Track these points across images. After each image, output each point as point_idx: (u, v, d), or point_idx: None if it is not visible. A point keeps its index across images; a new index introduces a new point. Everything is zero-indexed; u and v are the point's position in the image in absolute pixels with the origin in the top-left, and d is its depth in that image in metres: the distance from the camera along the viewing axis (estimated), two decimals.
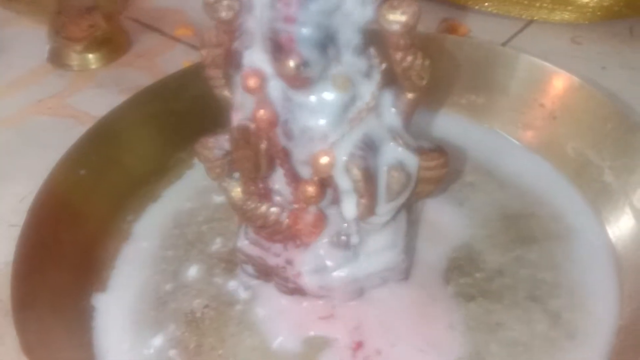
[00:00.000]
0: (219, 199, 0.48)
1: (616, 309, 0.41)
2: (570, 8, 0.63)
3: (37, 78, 0.62)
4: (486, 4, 0.64)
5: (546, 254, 0.44)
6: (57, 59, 0.62)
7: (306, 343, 0.41)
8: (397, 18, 0.35)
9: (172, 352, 0.41)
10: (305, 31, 0.34)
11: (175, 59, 0.61)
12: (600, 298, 0.42)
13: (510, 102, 0.52)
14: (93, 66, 0.62)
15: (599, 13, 0.62)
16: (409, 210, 0.43)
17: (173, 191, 0.50)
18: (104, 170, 0.47)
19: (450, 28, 0.63)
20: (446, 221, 0.46)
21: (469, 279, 0.43)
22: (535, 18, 0.64)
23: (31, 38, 0.64)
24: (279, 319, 0.42)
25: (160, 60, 0.62)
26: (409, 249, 0.43)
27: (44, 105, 0.59)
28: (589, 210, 0.47)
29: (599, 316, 0.41)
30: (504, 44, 0.61)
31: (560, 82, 0.50)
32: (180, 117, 0.50)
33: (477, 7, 0.65)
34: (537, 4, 0.63)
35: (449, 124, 0.52)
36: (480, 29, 0.63)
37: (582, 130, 0.48)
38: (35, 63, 0.63)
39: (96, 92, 0.60)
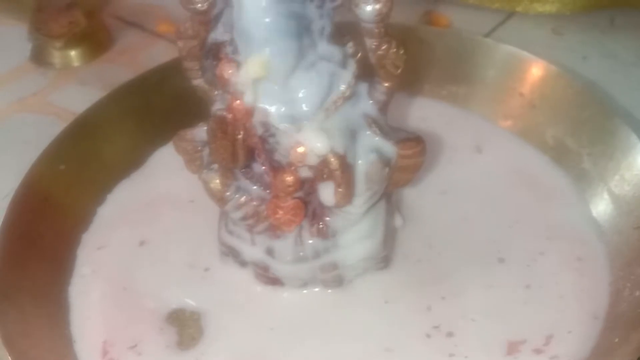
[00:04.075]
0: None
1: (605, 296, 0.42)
2: None
3: (19, 76, 0.62)
4: None
5: (532, 235, 0.45)
6: (39, 57, 0.62)
7: (285, 332, 0.41)
8: (370, 6, 0.35)
9: (152, 342, 0.41)
10: (280, 20, 0.34)
11: (157, 56, 0.60)
12: (590, 281, 0.42)
13: (490, 91, 0.52)
14: (75, 64, 0.62)
15: (579, 4, 0.62)
16: (388, 199, 0.43)
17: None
18: (83, 165, 0.47)
19: (432, 20, 0.64)
20: (427, 208, 0.46)
21: (451, 264, 0.43)
22: (516, 10, 0.64)
23: (12, 36, 0.64)
24: (258, 309, 0.42)
25: (142, 57, 0.62)
26: (389, 238, 0.43)
27: (26, 103, 0.59)
28: (573, 193, 0.47)
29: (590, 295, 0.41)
30: (485, 36, 0.61)
31: (538, 70, 0.50)
32: (160, 111, 0.50)
33: (459, 0, 0.65)
34: None
35: (430, 114, 0.52)
36: (461, 21, 0.64)
37: (560, 118, 0.49)
38: (17, 61, 0.63)
39: (78, 90, 0.60)
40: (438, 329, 0.40)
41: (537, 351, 0.39)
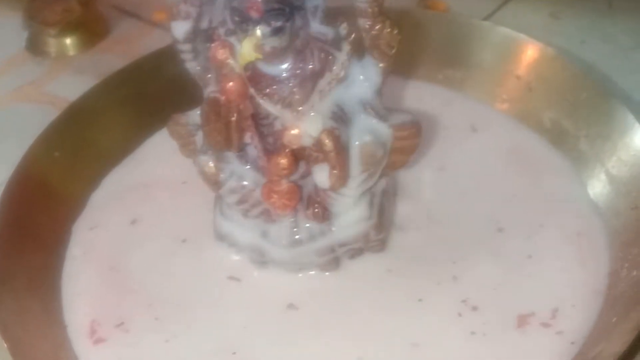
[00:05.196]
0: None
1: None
2: None
3: (15, 65, 0.62)
4: None
5: (530, 208, 0.45)
6: (34, 46, 0.62)
7: (281, 316, 0.41)
8: None
9: (139, 320, 0.41)
10: (272, 1, 0.34)
11: (153, 44, 0.59)
12: (590, 255, 0.42)
13: (486, 75, 0.52)
14: (71, 53, 0.62)
15: None
16: (386, 181, 0.42)
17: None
18: (78, 152, 0.48)
19: (430, 5, 0.63)
20: (425, 185, 0.46)
21: (450, 235, 0.44)
22: None
23: (8, 26, 0.64)
24: (253, 291, 0.42)
25: (138, 46, 0.62)
26: (385, 220, 0.42)
27: (22, 92, 0.59)
28: (570, 174, 0.47)
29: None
30: (483, 20, 0.61)
31: (534, 53, 0.50)
32: (154, 98, 0.50)
33: None
34: None
35: (427, 97, 0.52)
36: (460, 6, 0.63)
37: (557, 101, 0.48)
38: (13, 51, 0.63)
39: (74, 79, 0.59)
40: (448, 305, 0.40)
41: (545, 325, 0.39)
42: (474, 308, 0.40)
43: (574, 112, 0.47)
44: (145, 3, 0.66)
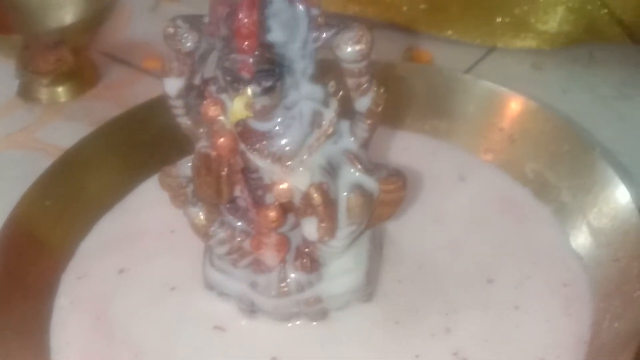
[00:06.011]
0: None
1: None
2: (531, 35, 0.64)
3: (7, 112, 0.62)
4: (449, 32, 0.66)
5: (518, 259, 0.46)
6: (26, 93, 0.63)
7: None
8: (352, 47, 0.36)
9: None
10: (263, 62, 0.35)
11: (144, 91, 0.61)
12: (575, 307, 0.43)
13: (470, 126, 0.53)
14: (62, 99, 0.63)
15: (559, 39, 0.63)
16: (373, 232, 0.43)
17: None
18: (68, 201, 0.48)
19: (414, 56, 0.65)
20: (414, 235, 0.47)
21: (439, 287, 0.44)
22: (497, 45, 0.65)
23: (0, 74, 0.65)
24: (238, 341, 0.42)
25: (129, 93, 0.63)
26: (372, 271, 0.43)
27: (14, 139, 0.59)
28: (553, 225, 0.48)
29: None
30: (466, 71, 0.62)
31: (517, 106, 0.51)
32: (146, 147, 0.51)
33: (440, 35, 0.66)
34: (499, 31, 0.65)
35: (413, 146, 0.53)
36: (443, 57, 0.65)
37: (539, 152, 0.50)
38: (4, 98, 0.63)
39: (66, 125, 0.60)
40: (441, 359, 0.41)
41: None
42: None
43: (556, 164, 0.49)
44: (136, 51, 0.67)
